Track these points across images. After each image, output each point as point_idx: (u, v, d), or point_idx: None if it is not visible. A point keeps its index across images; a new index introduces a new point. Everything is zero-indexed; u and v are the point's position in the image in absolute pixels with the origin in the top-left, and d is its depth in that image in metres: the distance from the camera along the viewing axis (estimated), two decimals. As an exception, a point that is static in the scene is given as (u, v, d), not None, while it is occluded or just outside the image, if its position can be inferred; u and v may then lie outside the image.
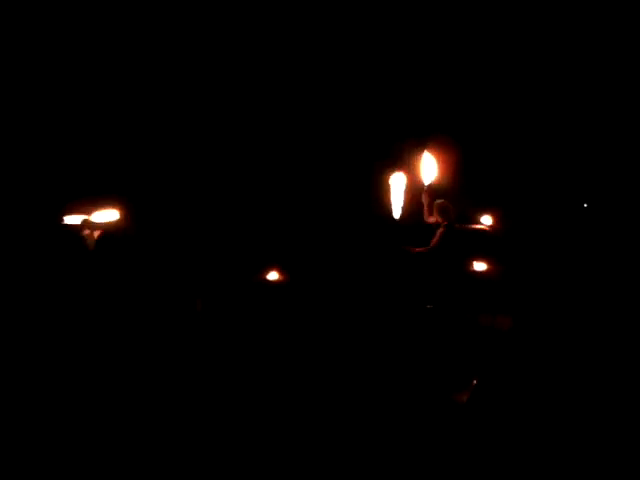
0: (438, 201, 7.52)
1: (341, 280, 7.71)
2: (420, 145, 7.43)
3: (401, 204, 7.10)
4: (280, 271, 7.53)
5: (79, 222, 6.68)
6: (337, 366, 6.25)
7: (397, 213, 7.09)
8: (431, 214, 7.44)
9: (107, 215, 6.81)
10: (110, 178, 8.04)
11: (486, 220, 8.02)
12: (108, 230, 6.77)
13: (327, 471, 4.36)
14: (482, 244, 8.90)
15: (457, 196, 9.30)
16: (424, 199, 7.50)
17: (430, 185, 7.46)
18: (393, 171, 7.19)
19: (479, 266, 8.57)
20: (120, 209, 6.87)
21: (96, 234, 6.66)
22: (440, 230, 7.41)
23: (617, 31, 9.31)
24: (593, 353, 6.62)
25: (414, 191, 7.36)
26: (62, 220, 6.68)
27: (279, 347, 6.68)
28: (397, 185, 7.13)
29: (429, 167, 7.33)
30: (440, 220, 7.42)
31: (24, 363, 5.78)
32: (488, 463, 4.45)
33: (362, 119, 9.43)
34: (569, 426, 4.96)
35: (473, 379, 6.08)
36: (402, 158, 7.78)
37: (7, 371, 5.62)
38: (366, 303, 7.44)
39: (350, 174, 9.18)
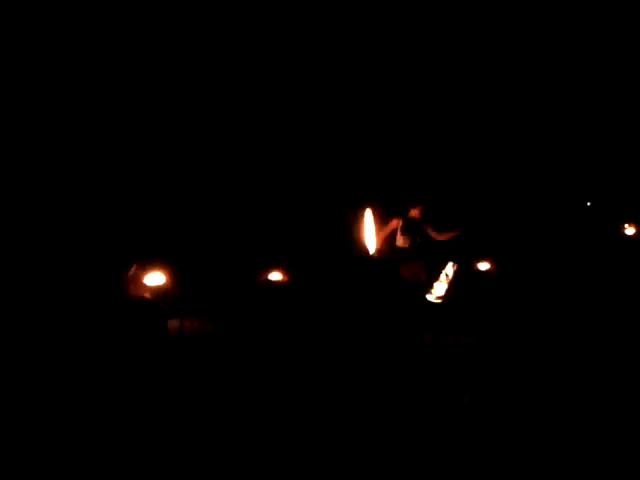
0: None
1: (342, 279, 7.70)
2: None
3: (373, 238, 7.17)
4: (283, 271, 7.51)
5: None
6: (338, 366, 6.25)
7: (372, 248, 7.15)
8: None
9: None
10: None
11: None
12: None
13: (327, 471, 4.36)
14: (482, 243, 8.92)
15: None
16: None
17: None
18: (363, 208, 7.22)
19: (482, 266, 8.60)
20: None
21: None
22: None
23: (617, 31, 9.30)
24: (593, 352, 6.62)
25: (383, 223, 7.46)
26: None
27: (281, 348, 6.68)
28: (368, 220, 7.19)
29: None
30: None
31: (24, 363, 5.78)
32: (488, 462, 4.46)
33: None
34: (569, 426, 4.96)
35: (472, 379, 6.09)
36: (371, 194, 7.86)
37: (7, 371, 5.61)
38: (365, 303, 7.45)
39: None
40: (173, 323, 6.72)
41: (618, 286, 8.23)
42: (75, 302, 6.37)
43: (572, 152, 9.93)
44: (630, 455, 4.38)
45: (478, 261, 8.56)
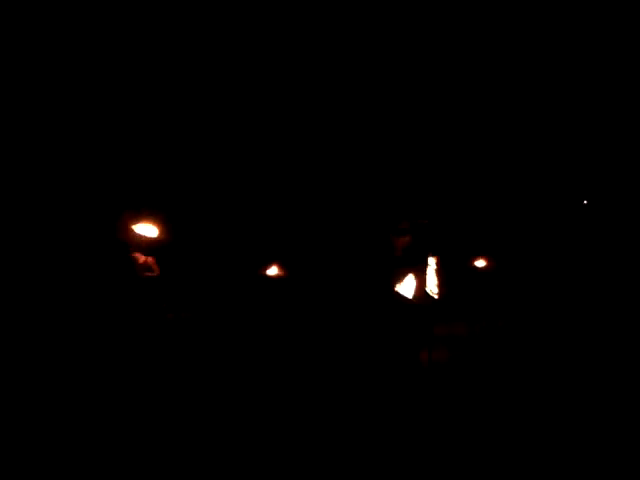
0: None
1: (338, 275, 7.70)
2: None
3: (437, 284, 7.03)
4: (280, 266, 7.53)
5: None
6: (335, 362, 6.25)
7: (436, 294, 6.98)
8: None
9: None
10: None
11: None
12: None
13: (327, 471, 4.36)
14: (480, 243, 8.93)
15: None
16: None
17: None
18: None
19: (479, 263, 8.63)
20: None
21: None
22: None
23: (617, 31, 9.31)
24: (591, 350, 6.62)
25: None
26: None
27: (278, 343, 6.68)
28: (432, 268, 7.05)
29: None
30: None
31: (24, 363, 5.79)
32: (485, 462, 4.46)
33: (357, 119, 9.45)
34: (566, 425, 4.96)
35: (469, 376, 6.09)
36: None
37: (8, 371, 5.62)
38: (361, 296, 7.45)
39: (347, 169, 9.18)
40: (171, 316, 6.76)
41: (616, 283, 8.24)
42: (71, 291, 6.39)
43: (569, 151, 9.94)
44: (630, 455, 4.38)
45: (475, 258, 8.60)
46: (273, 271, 7.47)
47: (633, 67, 9.43)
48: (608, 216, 9.67)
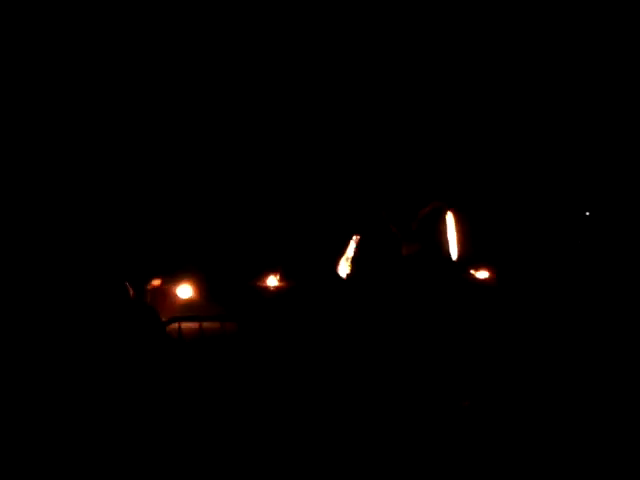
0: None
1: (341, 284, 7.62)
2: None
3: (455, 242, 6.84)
4: (281, 276, 7.44)
5: None
6: (338, 372, 6.22)
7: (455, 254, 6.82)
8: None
9: None
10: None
11: None
12: None
13: (327, 471, 4.35)
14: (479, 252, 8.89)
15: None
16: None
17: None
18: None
19: (481, 274, 8.58)
20: None
21: None
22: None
23: (617, 31, 9.30)
24: (594, 360, 6.62)
25: None
26: None
27: (279, 354, 6.64)
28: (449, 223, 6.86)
29: None
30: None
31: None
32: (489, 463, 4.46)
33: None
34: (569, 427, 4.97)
35: (473, 383, 6.08)
36: None
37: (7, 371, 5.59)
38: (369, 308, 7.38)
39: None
40: (173, 327, 6.69)
41: (619, 297, 8.23)
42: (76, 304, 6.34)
43: (571, 159, 9.93)
44: (630, 456, 4.38)
45: (476, 269, 8.55)
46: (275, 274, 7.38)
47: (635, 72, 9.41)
48: (611, 228, 9.65)
